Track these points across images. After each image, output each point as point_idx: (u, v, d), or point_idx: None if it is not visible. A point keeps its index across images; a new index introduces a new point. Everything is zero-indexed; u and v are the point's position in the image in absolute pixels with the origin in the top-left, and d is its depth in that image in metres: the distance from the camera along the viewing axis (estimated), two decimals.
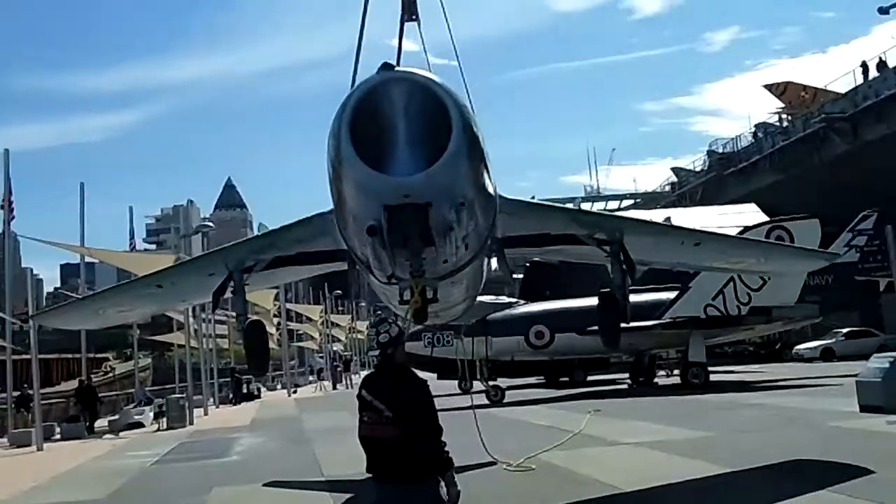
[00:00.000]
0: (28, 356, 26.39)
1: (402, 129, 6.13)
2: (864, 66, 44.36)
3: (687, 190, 60.36)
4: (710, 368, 28.71)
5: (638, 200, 75.40)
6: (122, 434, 26.89)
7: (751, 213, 35.28)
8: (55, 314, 15.71)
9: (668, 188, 69.40)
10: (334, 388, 52.26)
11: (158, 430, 27.56)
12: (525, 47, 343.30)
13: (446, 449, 5.50)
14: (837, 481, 9.55)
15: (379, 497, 5.57)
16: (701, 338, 27.98)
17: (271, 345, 56.63)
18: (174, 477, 15.63)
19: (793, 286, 26.26)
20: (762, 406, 19.89)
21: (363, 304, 79.97)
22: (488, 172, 7.10)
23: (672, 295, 28.25)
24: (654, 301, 27.96)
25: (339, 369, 57.08)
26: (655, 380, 32.20)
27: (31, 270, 59.74)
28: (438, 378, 27.92)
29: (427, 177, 6.08)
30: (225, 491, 12.98)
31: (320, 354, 70.34)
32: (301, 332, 69.28)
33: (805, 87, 54.42)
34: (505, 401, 26.28)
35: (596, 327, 14.31)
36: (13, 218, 24.88)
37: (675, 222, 23.06)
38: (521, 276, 31.10)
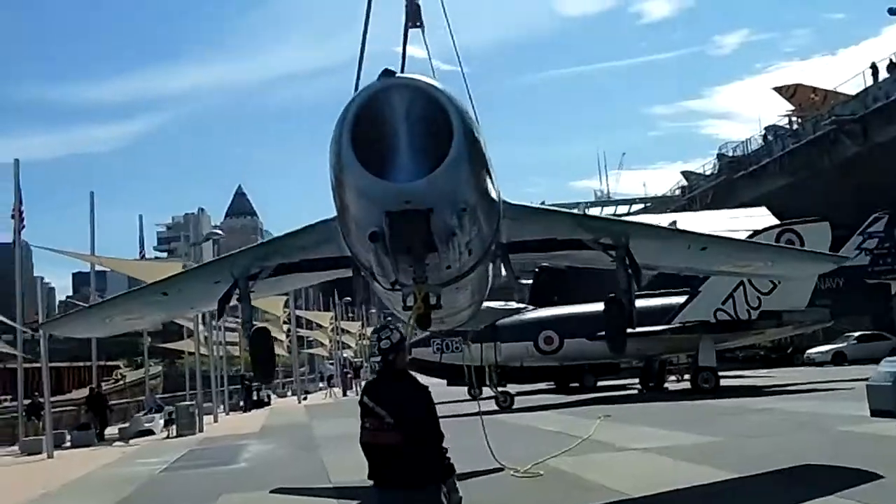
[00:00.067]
0: (39, 364, 26.49)
1: (403, 136, 6.14)
2: (874, 67, 44.21)
3: (697, 194, 60.22)
4: (721, 373, 28.60)
5: (648, 205, 75.21)
6: (132, 441, 26.95)
7: (761, 217, 35.08)
8: (63, 322, 15.77)
9: (678, 192, 69.25)
10: (344, 394, 52.32)
11: (168, 437, 27.60)
12: (533, 52, 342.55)
13: (447, 455, 5.50)
14: (847, 486, 9.51)
15: (381, 503, 5.57)
16: (711, 342, 27.90)
17: (281, 352, 57.04)
18: (183, 484, 15.70)
19: (803, 290, 26.14)
20: (772, 411, 19.80)
21: (373, 310, 80.00)
22: (490, 178, 7.09)
23: (682, 299, 28.15)
24: (664, 306, 27.86)
25: (349, 376, 57.17)
26: (666, 385, 32.10)
27: (42, 279, 60.07)
28: (448, 384, 27.88)
29: (428, 183, 6.08)
30: (233, 498, 13.02)
31: (330, 361, 70.43)
32: (311, 338, 69.35)
33: (815, 90, 54.24)
34: (514, 406, 26.21)
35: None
36: (23, 227, 25.06)
37: (685, 227, 22.95)
38: (530, 281, 31.07)
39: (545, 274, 31.36)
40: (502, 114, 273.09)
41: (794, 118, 54.85)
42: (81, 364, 48.99)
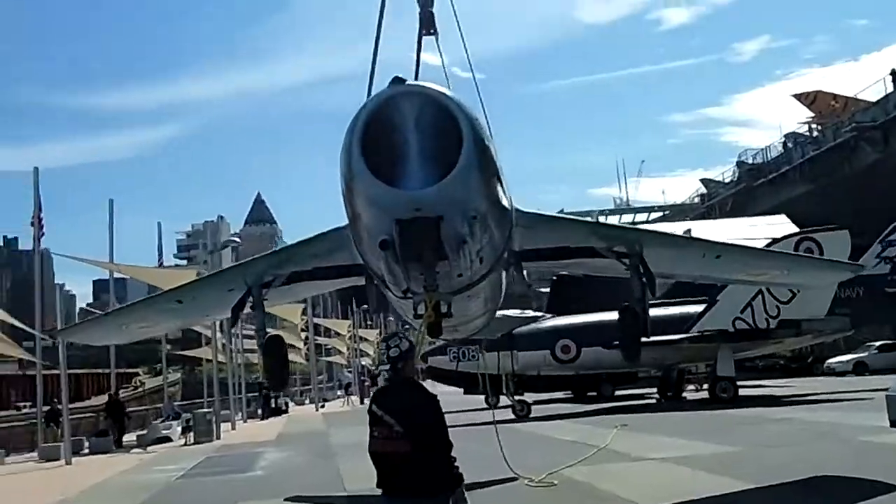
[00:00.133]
0: (58, 371, 26.70)
1: (413, 143, 6.14)
2: (894, 73, 43.86)
3: (716, 201, 59.97)
4: (740, 383, 28.34)
5: (666, 213, 74.93)
6: (149, 448, 27.10)
7: (781, 225, 34.76)
8: (80, 329, 15.86)
9: (697, 200, 68.99)
10: (362, 402, 52.23)
11: (186, 444, 27.70)
12: (552, 59, 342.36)
13: (456, 464, 5.45)
14: (866, 497, 9.39)
15: None
16: (729, 351, 27.64)
17: (300, 359, 57.21)
18: (199, 491, 15.74)
19: (822, 298, 25.88)
20: (791, 420, 19.60)
21: (391, 318, 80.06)
22: (502, 185, 7.07)
23: (700, 308, 27.92)
24: (682, 314, 27.66)
25: (366, 384, 57.15)
26: (684, 394, 31.87)
27: (63, 286, 60.62)
28: (465, 393, 27.84)
29: (438, 190, 6.08)
30: None
31: (348, 369, 70.52)
32: (329, 346, 69.50)
33: (835, 96, 53.99)
34: (531, 415, 26.11)
35: None
36: (42, 235, 25.33)
37: (704, 235, 22.80)
38: (547, 289, 30.97)
39: (562, 282, 31.23)
40: (520, 121, 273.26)
41: (814, 125, 54.58)
42: (100, 371, 49.44)
